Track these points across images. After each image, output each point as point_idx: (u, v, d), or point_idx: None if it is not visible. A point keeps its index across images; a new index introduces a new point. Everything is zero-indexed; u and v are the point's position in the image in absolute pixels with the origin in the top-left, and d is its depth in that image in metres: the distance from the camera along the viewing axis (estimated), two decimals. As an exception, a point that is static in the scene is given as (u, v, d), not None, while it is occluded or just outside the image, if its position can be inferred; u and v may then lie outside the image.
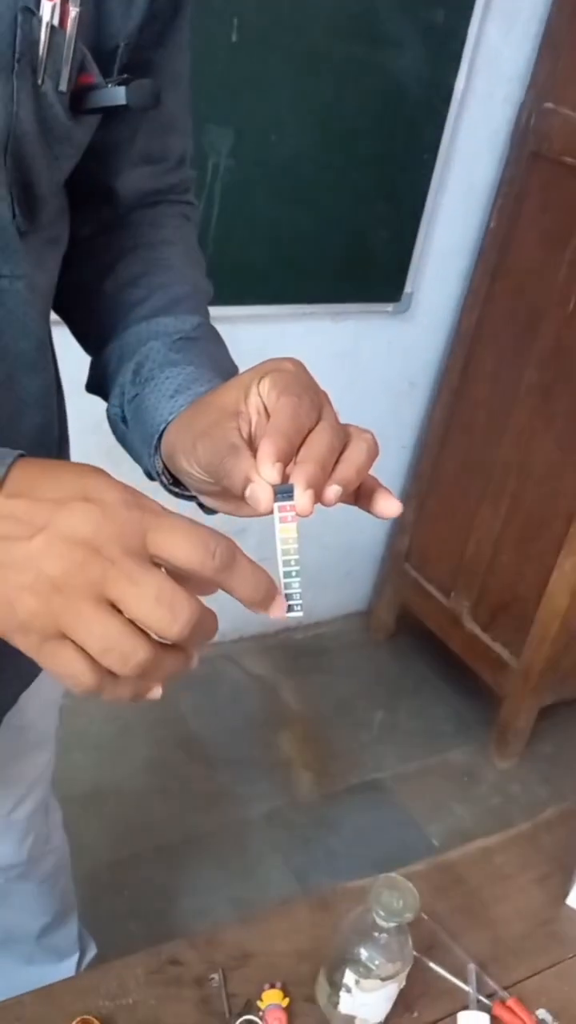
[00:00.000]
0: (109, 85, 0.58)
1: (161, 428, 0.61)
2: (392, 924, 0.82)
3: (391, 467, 2.30)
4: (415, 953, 0.89)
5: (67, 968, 1.27)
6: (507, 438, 1.98)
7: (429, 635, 2.29)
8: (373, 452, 0.55)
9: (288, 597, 0.52)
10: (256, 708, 2.19)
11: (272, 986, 0.88)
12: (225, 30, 1.49)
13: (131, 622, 0.44)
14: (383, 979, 0.83)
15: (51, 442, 0.70)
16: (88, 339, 0.74)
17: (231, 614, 2.19)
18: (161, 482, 0.64)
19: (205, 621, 0.45)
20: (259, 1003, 0.87)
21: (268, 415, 0.53)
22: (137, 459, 0.67)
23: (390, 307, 2.01)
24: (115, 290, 0.71)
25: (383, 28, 1.64)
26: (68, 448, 0.78)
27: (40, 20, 0.52)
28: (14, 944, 1.20)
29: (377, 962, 0.83)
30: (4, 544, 0.45)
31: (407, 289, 1.99)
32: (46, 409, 0.67)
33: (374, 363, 2.10)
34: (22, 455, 0.48)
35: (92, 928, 1.35)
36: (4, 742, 0.85)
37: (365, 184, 1.80)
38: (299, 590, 0.52)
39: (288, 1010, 0.87)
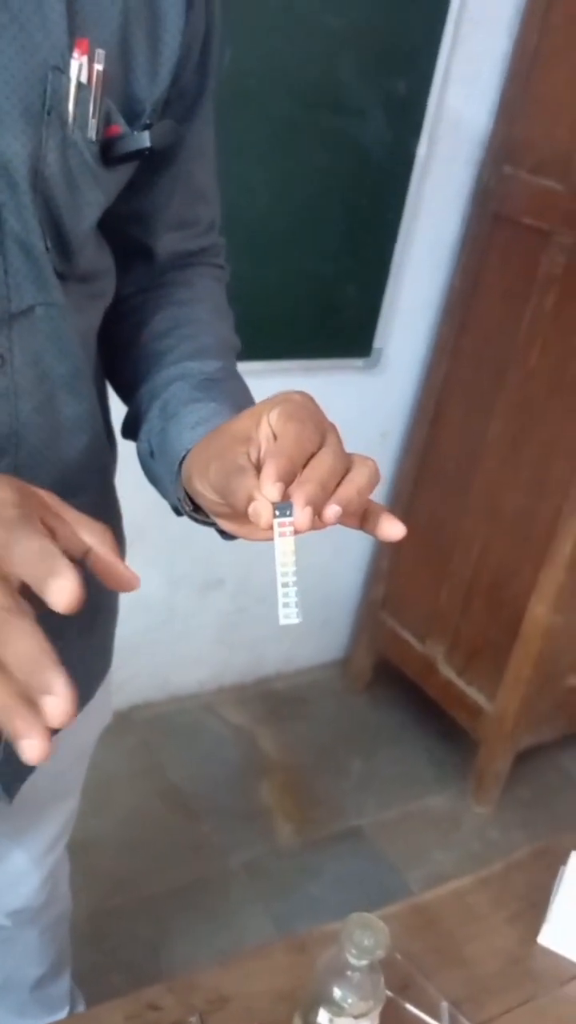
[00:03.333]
0: (134, 133, 0.65)
1: (182, 455, 0.66)
2: (364, 962, 0.84)
3: (365, 516, 2.34)
4: (389, 993, 0.91)
5: (56, 1022, 1.27)
6: (476, 486, 2.04)
7: (407, 682, 2.32)
8: (375, 477, 0.58)
9: (285, 605, 0.55)
10: (235, 758, 2.20)
11: (249, 1028, 0.90)
12: (196, 103, 1.57)
13: None
14: (356, 1017, 0.85)
15: (97, 465, 0.76)
16: (124, 387, 0.81)
17: (210, 665, 2.24)
18: (183, 509, 0.69)
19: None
20: (236, 1045, 0.88)
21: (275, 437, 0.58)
22: (164, 493, 0.72)
23: (360, 362, 2.08)
24: (148, 341, 0.78)
25: (347, 97, 1.73)
26: (113, 472, 0.85)
27: (68, 78, 0.59)
28: (8, 993, 1.20)
29: (350, 1000, 0.85)
30: None
31: (376, 344, 2.06)
32: (89, 435, 0.73)
33: (346, 415, 2.13)
34: None
35: (74, 980, 1.35)
36: (42, 787, 0.88)
37: (333, 245, 1.88)
38: (296, 599, 0.55)
39: (265, 1051, 0.88)
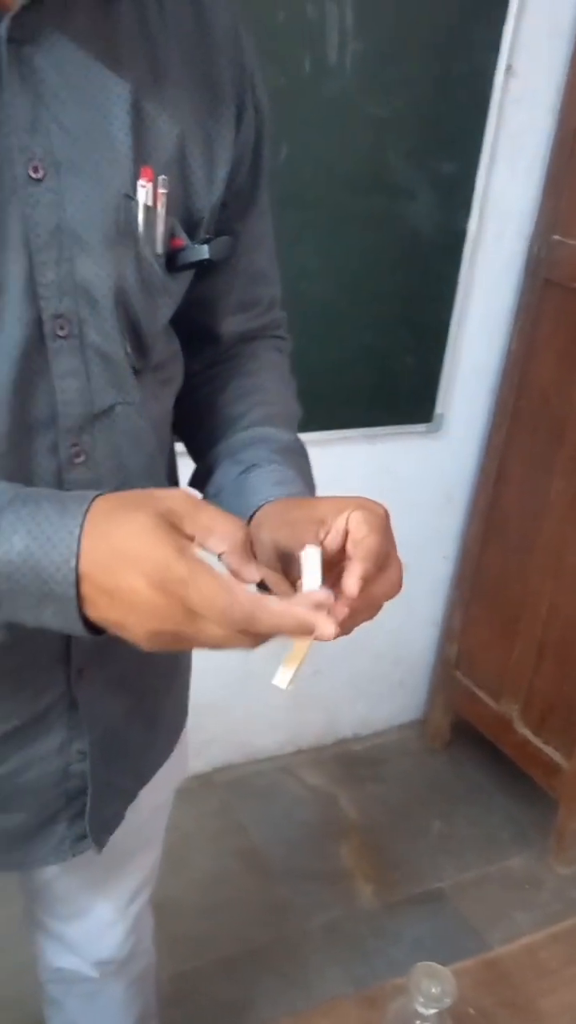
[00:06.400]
0: (195, 245, 0.73)
1: (260, 504, 0.73)
2: (432, 1011, 0.87)
3: (435, 576, 2.38)
4: (461, 1045, 0.93)
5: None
6: (540, 544, 2.06)
7: (485, 742, 2.32)
8: (393, 593, 0.66)
9: (285, 669, 0.61)
10: (314, 819, 2.22)
11: (322, 1078, 0.93)
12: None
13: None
14: (426, 1066, 0.88)
15: None
16: (196, 448, 0.89)
17: (287, 727, 2.30)
18: None
19: (245, 641, 0.58)
20: None
21: (346, 536, 0.65)
22: None
23: (423, 427, 2.14)
24: (222, 407, 0.87)
25: (398, 181, 1.82)
26: None
27: (137, 203, 0.68)
28: None
29: (419, 1049, 0.88)
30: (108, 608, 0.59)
31: (438, 410, 2.12)
32: None
33: (411, 479, 2.21)
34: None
35: (158, 1039, 1.39)
36: (123, 839, 0.95)
37: (391, 319, 1.95)
38: (296, 669, 0.62)
39: None
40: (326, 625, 0.59)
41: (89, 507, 0.59)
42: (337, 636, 0.62)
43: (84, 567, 0.57)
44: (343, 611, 0.61)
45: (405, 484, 2.20)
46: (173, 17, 0.72)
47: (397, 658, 2.47)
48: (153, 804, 1.02)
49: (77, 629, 0.60)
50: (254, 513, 0.73)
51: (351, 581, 0.61)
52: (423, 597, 2.41)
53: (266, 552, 0.68)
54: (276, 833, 2.15)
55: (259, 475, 0.77)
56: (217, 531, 0.59)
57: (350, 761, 2.43)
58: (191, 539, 0.58)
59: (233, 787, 2.27)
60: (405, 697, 2.57)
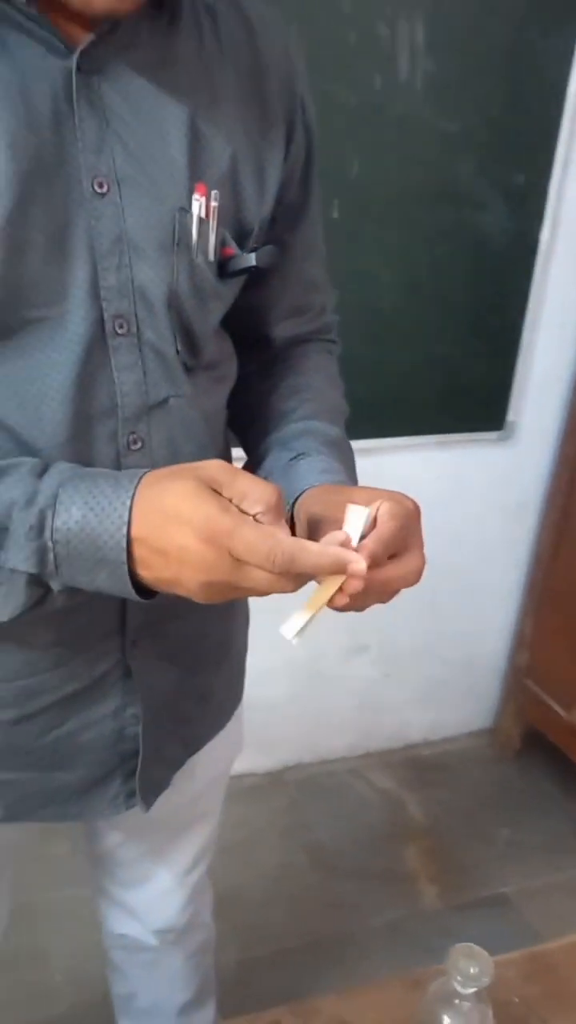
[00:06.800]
0: (244, 254, 0.80)
1: (305, 488, 0.80)
2: (470, 990, 0.90)
3: (506, 584, 2.39)
4: (504, 1032, 0.95)
5: (201, 1052, 1.36)
6: (612, 553, 2.06)
7: (556, 751, 2.31)
8: (410, 581, 0.71)
9: (295, 622, 0.66)
10: (381, 821, 2.25)
11: (365, 1051, 0.96)
12: (326, 209, 1.73)
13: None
14: (465, 1046, 0.91)
15: None
16: (249, 441, 0.95)
17: (356, 730, 2.35)
18: None
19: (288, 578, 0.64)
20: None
21: (374, 523, 0.71)
22: None
23: (495, 435, 2.15)
24: (274, 403, 0.93)
25: (469, 193, 1.85)
26: None
27: (191, 215, 0.75)
28: (156, 1017, 1.29)
29: (458, 1029, 0.91)
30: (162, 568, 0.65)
31: (509, 418, 2.14)
32: None
33: (482, 486, 2.23)
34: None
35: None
36: (181, 809, 1.02)
37: (463, 328, 1.98)
38: (303, 625, 0.66)
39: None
40: (359, 561, 0.65)
41: (139, 482, 0.66)
42: (347, 609, 0.67)
43: (137, 532, 0.64)
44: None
45: (476, 491, 2.22)
46: (228, 43, 0.78)
47: (468, 665, 2.48)
48: (208, 777, 1.08)
49: (128, 591, 0.67)
50: (299, 496, 0.79)
51: (362, 563, 0.66)
52: (494, 605, 2.42)
53: (301, 528, 0.74)
54: (343, 833, 2.19)
55: (307, 463, 0.83)
56: (252, 494, 0.64)
57: (419, 766, 2.45)
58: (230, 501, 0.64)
59: (302, 786, 2.31)
60: (476, 704, 2.58)
